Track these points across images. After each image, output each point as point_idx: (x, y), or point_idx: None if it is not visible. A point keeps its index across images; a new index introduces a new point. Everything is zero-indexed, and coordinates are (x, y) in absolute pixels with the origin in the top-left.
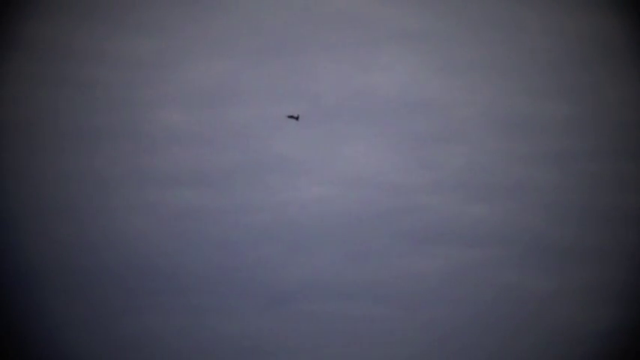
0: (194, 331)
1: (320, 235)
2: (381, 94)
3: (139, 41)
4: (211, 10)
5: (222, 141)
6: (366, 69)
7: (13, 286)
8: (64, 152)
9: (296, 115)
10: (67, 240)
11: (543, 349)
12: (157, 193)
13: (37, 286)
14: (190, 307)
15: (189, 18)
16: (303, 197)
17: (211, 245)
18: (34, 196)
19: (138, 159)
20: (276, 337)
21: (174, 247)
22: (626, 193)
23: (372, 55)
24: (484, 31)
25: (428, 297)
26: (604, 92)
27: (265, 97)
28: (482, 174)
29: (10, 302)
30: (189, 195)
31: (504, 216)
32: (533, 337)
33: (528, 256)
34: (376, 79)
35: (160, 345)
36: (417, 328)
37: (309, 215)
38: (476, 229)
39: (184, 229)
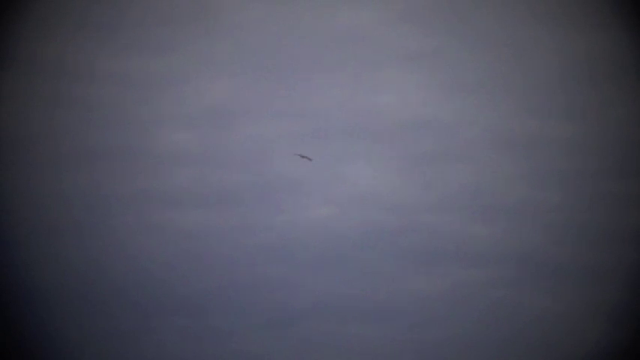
0: (196, 352)
1: (324, 255)
2: (385, 113)
3: (143, 60)
4: (216, 29)
5: (226, 160)
6: (370, 89)
7: (16, 306)
8: (67, 172)
9: (309, 157)
10: (69, 261)
11: None
12: (160, 213)
13: (41, 306)
14: (194, 328)
15: (195, 36)
16: (307, 217)
17: (215, 265)
18: (36, 218)
19: (142, 179)
20: (281, 358)
21: (178, 267)
22: (629, 213)
23: (376, 75)
24: (488, 50)
25: (432, 317)
26: (608, 111)
27: (269, 117)
28: (486, 194)
29: (14, 323)
30: (192, 215)
31: (507, 236)
32: (535, 356)
33: (532, 276)
34: (380, 99)
35: None
36: (421, 348)
37: (314, 235)
38: (479, 248)
39: (188, 250)
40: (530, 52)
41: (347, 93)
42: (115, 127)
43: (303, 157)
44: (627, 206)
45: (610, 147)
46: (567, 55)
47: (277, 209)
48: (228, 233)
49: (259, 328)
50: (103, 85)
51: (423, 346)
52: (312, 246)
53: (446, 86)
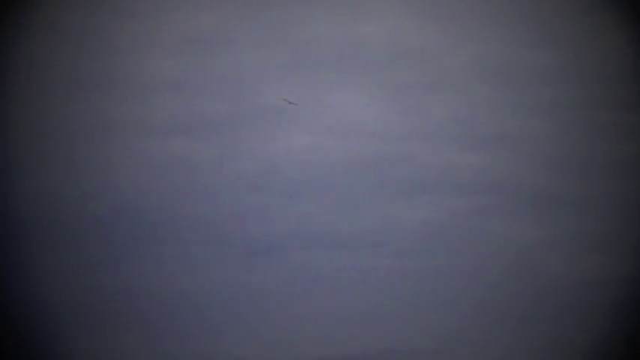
0: (178, 280)
1: (307, 184)
2: (370, 42)
3: None
4: None
5: (210, 89)
6: (355, 18)
7: None
8: (51, 100)
9: (294, 102)
10: (53, 189)
11: (533, 299)
12: (144, 142)
13: (21, 234)
14: (176, 256)
15: None
16: (291, 146)
17: (198, 194)
18: (18, 145)
19: (126, 107)
20: (262, 286)
21: (161, 195)
22: (617, 142)
23: (362, 3)
24: None
25: (416, 246)
26: (595, 42)
27: (254, 46)
28: (472, 123)
29: None
30: (176, 144)
31: (493, 165)
32: (522, 287)
33: (517, 205)
34: (365, 28)
35: (144, 294)
36: (405, 277)
37: (297, 164)
38: (465, 178)
39: (172, 178)
40: None
41: (332, 22)
42: (97, 56)
43: (290, 102)
44: (616, 136)
45: (599, 76)
46: None
47: (259, 138)
48: (209, 162)
49: (239, 256)
50: (85, 13)
51: (407, 275)
52: (294, 175)
53: (432, 15)
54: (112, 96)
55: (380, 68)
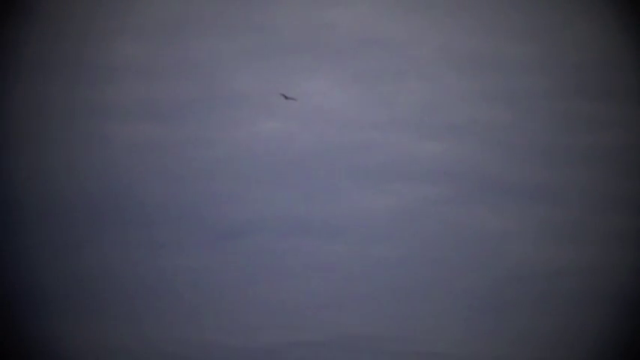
0: (144, 264)
1: (274, 170)
2: (339, 29)
3: None
4: None
5: (177, 74)
6: (324, 4)
7: None
8: (17, 82)
9: (293, 98)
10: (19, 172)
11: (493, 287)
12: (111, 126)
13: None
14: (142, 241)
15: None
16: (258, 132)
17: (165, 179)
18: None
19: (93, 91)
20: (227, 271)
21: (127, 179)
22: (580, 133)
23: None
24: None
25: (381, 233)
26: (561, 32)
27: (222, 31)
28: (438, 111)
29: None
30: (144, 128)
31: (458, 154)
32: (484, 275)
33: (484, 194)
34: (334, 15)
35: (109, 278)
36: (370, 264)
37: (264, 150)
38: (430, 166)
39: (138, 162)
40: None
41: (300, 9)
42: (67, 39)
43: (287, 97)
44: (581, 126)
45: (562, 67)
46: None
47: (226, 123)
48: (177, 147)
49: (207, 241)
50: None
51: (372, 262)
52: (262, 161)
53: (401, 4)
54: (83, 79)
55: (347, 56)
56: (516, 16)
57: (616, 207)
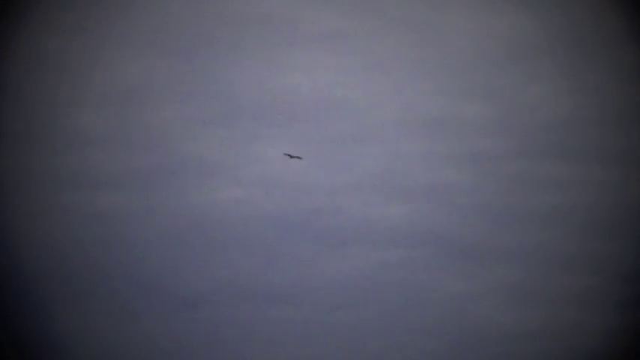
0: (102, 334)
1: (235, 237)
2: (298, 94)
3: (53, 41)
4: (127, 10)
5: (137, 142)
6: (283, 70)
7: None
8: None
9: (297, 156)
10: None
11: (461, 351)
12: (70, 195)
13: None
14: (100, 310)
15: (106, 18)
16: (219, 199)
17: (125, 248)
18: None
19: (51, 160)
20: (188, 340)
21: (87, 250)
22: (540, 193)
23: (290, 55)
24: (402, 32)
25: (344, 299)
26: (520, 93)
27: (182, 98)
28: (400, 175)
29: None
30: (103, 197)
31: (421, 217)
32: (449, 339)
33: (445, 257)
34: (294, 80)
35: (73, 349)
36: (333, 329)
37: (225, 217)
38: (392, 230)
39: (98, 232)
40: (442, 34)
41: (258, 74)
42: (26, 108)
43: (292, 157)
44: (541, 187)
45: (522, 128)
46: (480, 37)
47: (187, 191)
48: (137, 215)
49: (167, 310)
50: (10, 66)
51: (335, 329)
52: (222, 228)
53: (358, 67)
54: (39, 147)
55: (306, 120)
56: (475, 78)
57: (576, 267)
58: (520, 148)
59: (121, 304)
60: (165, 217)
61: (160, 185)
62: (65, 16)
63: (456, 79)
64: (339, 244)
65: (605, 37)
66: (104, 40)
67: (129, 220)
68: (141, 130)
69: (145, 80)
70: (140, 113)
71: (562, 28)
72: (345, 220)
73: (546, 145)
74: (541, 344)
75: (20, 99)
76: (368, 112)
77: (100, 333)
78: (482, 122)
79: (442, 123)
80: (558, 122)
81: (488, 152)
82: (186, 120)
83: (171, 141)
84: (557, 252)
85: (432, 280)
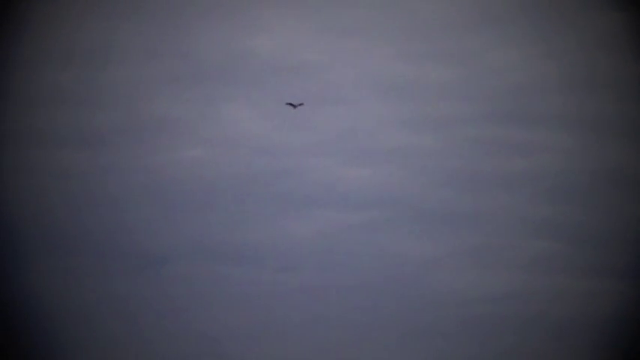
0: (66, 292)
1: (197, 197)
2: (260, 55)
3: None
4: None
5: (101, 102)
6: (245, 30)
7: None
8: None
9: (296, 104)
10: None
11: (421, 314)
12: (34, 153)
13: None
14: (64, 268)
15: None
16: (180, 158)
17: (88, 206)
18: None
19: (15, 119)
20: (150, 298)
21: (50, 207)
22: (506, 158)
23: (251, 16)
24: None
25: (306, 260)
26: (485, 57)
27: (143, 58)
28: (362, 137)
29: None
30: (66, 155)
31: (383, 180)
32: (411, 301)
33: (407, 220)
34: (255, 41)
35: (31, 306)
36: (295, 291)
37: (187, 177)
38: (355, 192)
39: (61, 189)
40: None
41: (222, 35)
42: None
43: (295, 105)
44: (506, 151)
45: (487, 93)
46: (444, 1)
47: (150, 150)
48: (101, 174)
49: (130, 269)
50: None
51: (297, 289)
52: (185, 187)
53: (323, 29)
54: (5, 108)
55: (270, 81)
56: (440, 42)
57: (538, 232)
58: (485, 113)
59: (85, 262)
60: (129, 175)
61: (124, 144)
62: None
63: (421, 43)
64: (300, 205)
65: (570, 4)
66: (68, 1)
67: (93, 178)
68: (104, 89)
69: (108, 40)
70: (104, 73)
71: None
72: (307, 182)
73: (512, 110)
74: (502, 309)
75: None
76: (330, 74)
77: (64, 291)
78: (447, 86)
79: (406, 86)
80: (524, 88)
81: (452, 116)
82: (149, 80)
83: (134, 100)
84: (520, 217)
85: (393, 242)
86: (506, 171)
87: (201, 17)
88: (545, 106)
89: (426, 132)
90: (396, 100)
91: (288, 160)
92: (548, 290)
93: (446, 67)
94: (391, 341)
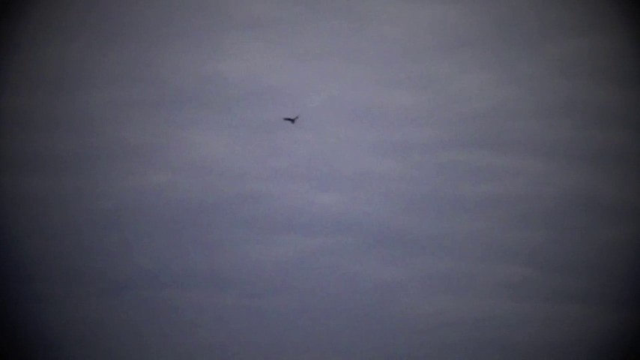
0: (27, 319)
1: (163, 222)
2: (229, 80)
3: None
4: None
5: (67, 126)
6: (214, 56)
7: None
8: None
9: (293, 117)
10: None
11: (389, 338)
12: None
13: None
14: (27, 294)
15: (39, 2)
16: (147, 183)
17: (50, 231)
18: None
19: None
20: (115, 324)
21: (14, 233)
22: (474, 183)
23: (221, 42)
24: (333, 19)
25: (273, 285)
26: (452, 83)
27: (112, 83)
28: (329, 163)
29: None
30: (32, 180)
31: (349, 205)
32: (376, 326)
33: (372, 245)
34: (225, 66)
35: None
36: (261, 316)
37: (153, 202)
38: (320, 217)
39: (26, 215)
40: (376, 24)
41: (191, 60)
42: None
43: (292, 120)
44: (471, 176)
45: (452, 118)
46: (413, 27)
47: (114, 176)
48: (63, 199)
49: (93, 294)
50: None
51: (261, 314)
52: (149, 213)
53: (291, 54)
54: None
55: (239, 106)
56: (407, 67)
57: (506, 257)
58: (450, 138)
59: (44, 288)
60: (92, 201)
61: (87, 169)
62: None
63: (389, 68)
64: (268, 231)
65: (536, 30)
66: (37, 24)
67: (55, 204)
68: (70, 113)
69: (74, 64)
70: (69, 96)
71: (494, 20)
72: (273, 207)
73: (476, 135)
74: (471, 333)
75: None
76: (298, 99)
77: (22, 317)
78: (413, 112)
79: (374, 111)
80: (489, 113)
81: (419, 141)
82: (114, 104)
83: (99, 125)
84: (487, 242)
85: (359, 267)
86: (473, 196)
87: (170, 42)
88: (513, 131)
89: (393, 157)
90: (364, 125)
91: (255, 185)
92: (517, 315)
93: (413, 92)
94: None
